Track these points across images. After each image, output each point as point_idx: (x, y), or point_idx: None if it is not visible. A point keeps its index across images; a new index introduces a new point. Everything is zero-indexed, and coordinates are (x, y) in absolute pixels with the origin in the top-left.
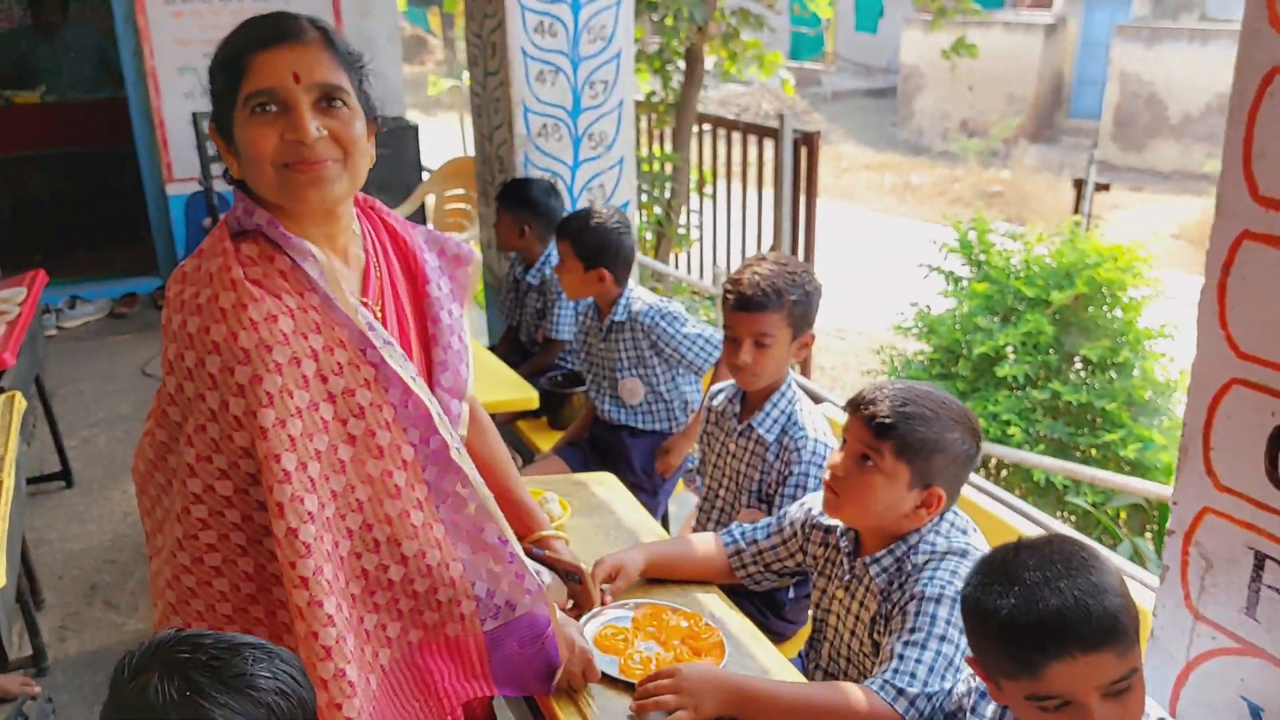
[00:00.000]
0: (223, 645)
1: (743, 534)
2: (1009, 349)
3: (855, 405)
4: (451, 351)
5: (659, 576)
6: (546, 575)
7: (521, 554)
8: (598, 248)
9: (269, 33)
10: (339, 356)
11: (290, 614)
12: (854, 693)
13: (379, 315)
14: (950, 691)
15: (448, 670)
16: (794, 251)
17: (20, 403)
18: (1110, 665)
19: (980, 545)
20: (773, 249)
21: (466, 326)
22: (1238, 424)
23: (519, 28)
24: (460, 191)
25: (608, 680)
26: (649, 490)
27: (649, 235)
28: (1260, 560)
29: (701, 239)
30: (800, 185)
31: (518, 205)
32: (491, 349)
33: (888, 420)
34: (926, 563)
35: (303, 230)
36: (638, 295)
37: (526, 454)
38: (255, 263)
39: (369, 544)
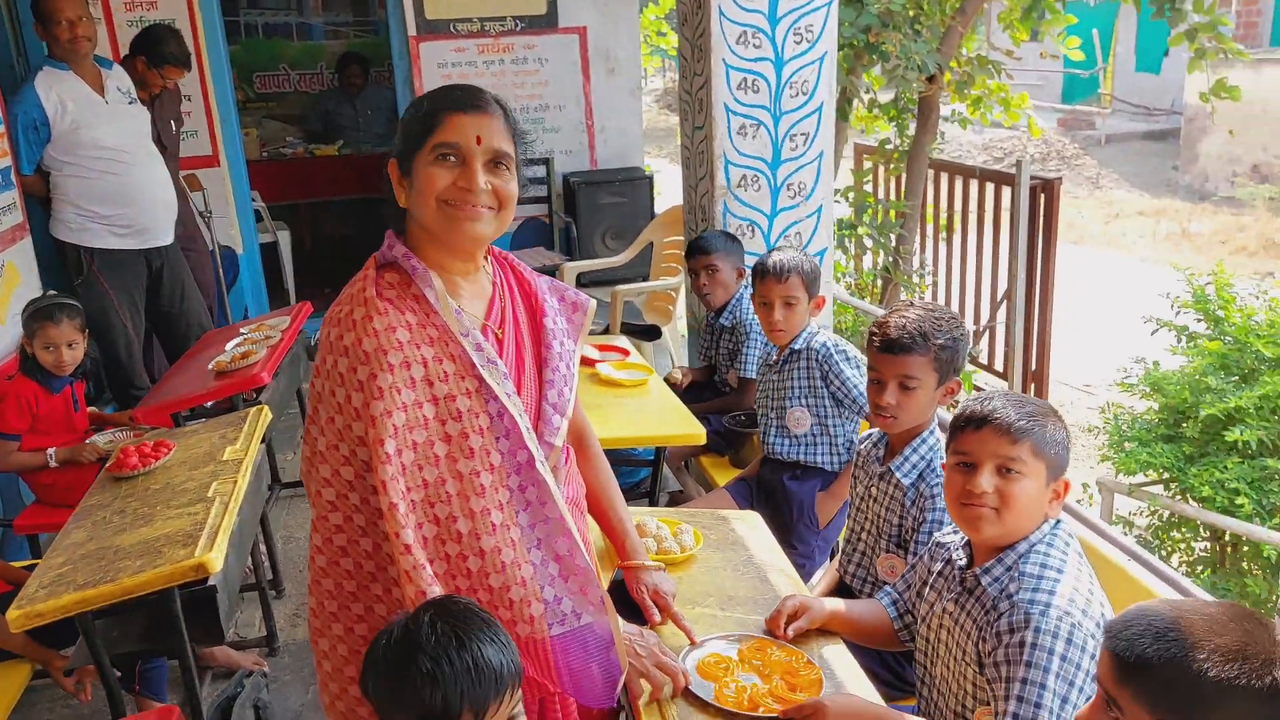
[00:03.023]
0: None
1: (895, 601)
2: (1244, 413)
3: (978, 420)
4: (559, 374)
5: (837, 630)
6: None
7: (592, 568)
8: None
9: (466, 100)
10: (446, 367)
11: (400, 578)
12: None
13: (499, 337)
14: None
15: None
16: (1030, 300)
17: (266, 415)
18: None
19: (1085, 569)
20: (1006, 297)
21: (576, 359)
22: None
23: (724, 85)
24: (678, 239)
25: (699, 704)
26: (815, 531)
27: (878, 282)
28: None
29: (935, 286)
30: (1038, 232)
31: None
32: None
33: (1022, 424)
34: (1040, 578)
35: (442, 261)
36: (821, 330)
37: (708, 487)
38: (393, 287)
39: (453, 534)
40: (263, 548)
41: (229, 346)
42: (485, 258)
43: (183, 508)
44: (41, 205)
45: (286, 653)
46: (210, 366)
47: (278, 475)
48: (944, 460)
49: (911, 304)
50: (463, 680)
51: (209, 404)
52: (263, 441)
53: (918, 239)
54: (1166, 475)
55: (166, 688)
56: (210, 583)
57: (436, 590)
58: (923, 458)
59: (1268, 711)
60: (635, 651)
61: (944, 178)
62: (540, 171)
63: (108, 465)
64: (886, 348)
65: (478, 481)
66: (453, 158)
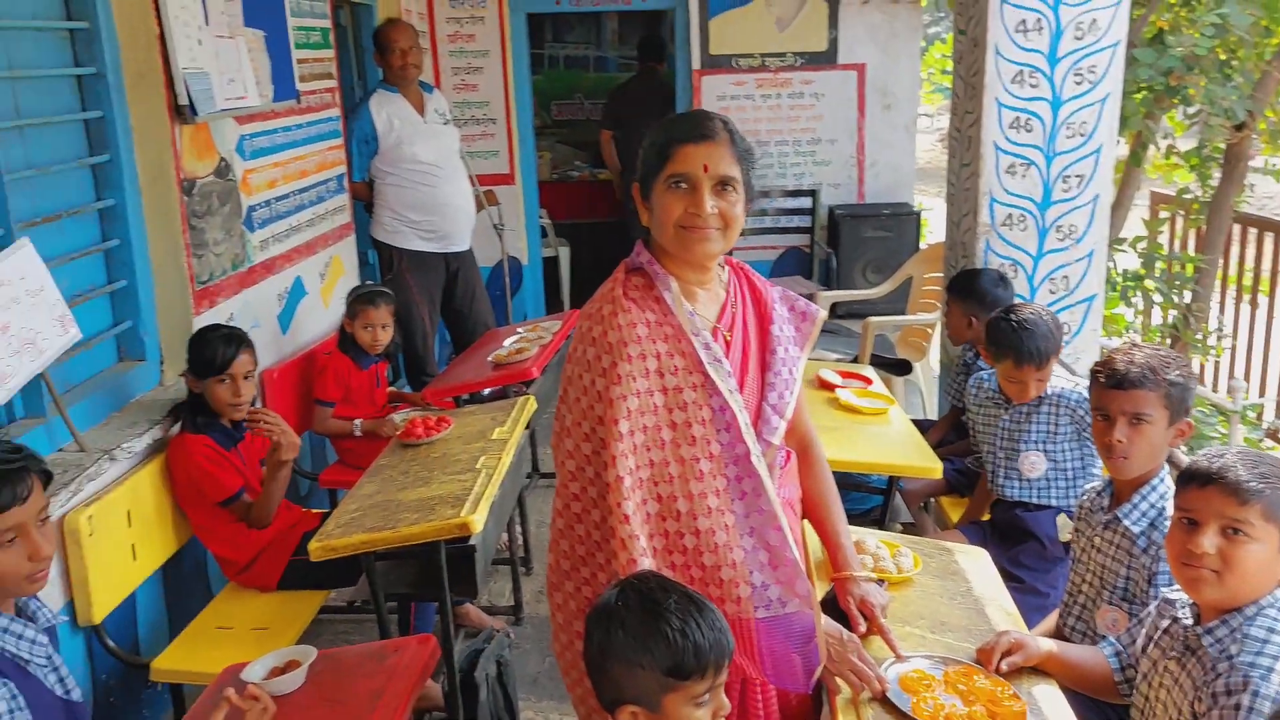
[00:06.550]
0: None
1: (1118, 652)
2: None
3: (1204, 477)
4: (780, 378)
5: (1052, 673)
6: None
7: (800, 562)
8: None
9: (695, 131)
10: (677, 361)
11: (615, 546)
12: None
13: (728, 339)
14: None
15: None
16: None
17: (532, 404)
18: None
19: None
20: None
21: (801, 367)
22: None
23: (994, 123)
24: (939, 275)
25: (895, 713)
26: (1060, 557)
27: (1166, 340)
28: None
29: (1234, 352)
30: None
31: (965, 296)
32: (929, 424)
33: (1252, 484)
34: (1265, 642)
35: (680, 271)
36: (1060, 374)
37: (945, 528)
38: (639, 289)
39: (673, 512)
40: (518, 527)
41: (507, 343)
42: (722, 267)
43: (454, 475)
44: (365, 209)
45: (529, 624)
46: (489, 359)
47: (538, 465)
48: None
49: (1136, 345)
50: (709, 636)
51: (486, 391)
52: (527, 428)
53: (1216, 298)
54: None
55: (433, 631)
56: (470, 542)
57: (647, 562)
58: (1153, 505)
59: None
60: (834, 651)
61: (1251, 233)
62: (805, 203)
63: (398, 434)
64: (1115, 383)
65: (697, 467)
66: (684, 185)
